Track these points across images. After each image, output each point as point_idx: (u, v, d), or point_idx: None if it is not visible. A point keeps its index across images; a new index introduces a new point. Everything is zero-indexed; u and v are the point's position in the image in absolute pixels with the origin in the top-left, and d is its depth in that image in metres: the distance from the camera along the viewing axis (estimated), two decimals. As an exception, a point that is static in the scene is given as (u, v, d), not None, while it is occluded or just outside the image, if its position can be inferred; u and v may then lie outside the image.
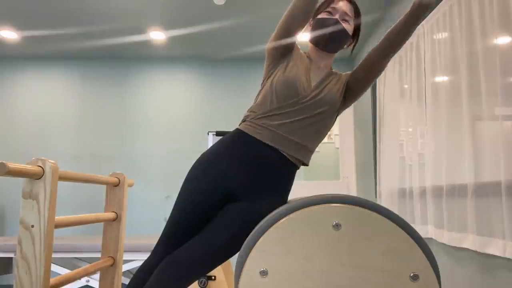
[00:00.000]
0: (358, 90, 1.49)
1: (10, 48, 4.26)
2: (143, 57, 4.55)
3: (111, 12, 3.48)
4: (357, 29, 1.51)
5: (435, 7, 2.39)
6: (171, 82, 4.56)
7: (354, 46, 1.57)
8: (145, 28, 3.82)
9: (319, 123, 1.40)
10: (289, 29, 1.38)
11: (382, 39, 1.41)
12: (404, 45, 2.87)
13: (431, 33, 2.42)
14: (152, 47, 4.27)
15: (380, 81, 3.37)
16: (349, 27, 1.45)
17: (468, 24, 1.97)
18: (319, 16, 1.44)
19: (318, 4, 1.43)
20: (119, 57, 4.56)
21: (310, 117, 1.38)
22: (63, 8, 3.42)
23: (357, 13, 1.49)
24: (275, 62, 1.45)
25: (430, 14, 2.46)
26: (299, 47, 1.51)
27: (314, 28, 1.45)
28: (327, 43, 1.43)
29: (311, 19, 1.49)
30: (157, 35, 3.96)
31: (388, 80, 3.16)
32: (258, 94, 1.46)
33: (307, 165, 1.45)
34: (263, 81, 1.47)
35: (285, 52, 1.44)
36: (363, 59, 1.46)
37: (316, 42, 1.45)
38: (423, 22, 2.54)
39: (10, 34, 3.92)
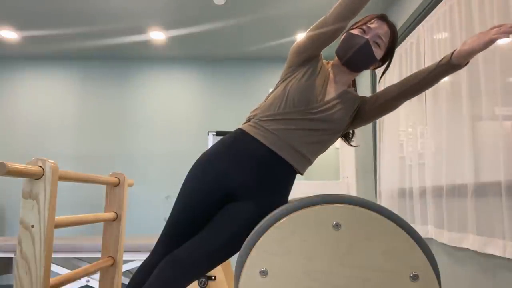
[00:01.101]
0: (367, 119, 1.46)
1: (10, 48, 4.26)
2: (143, 57, 4.55)
3: (111, 12, 3.48)
4: (388, 55, 1.44)
5: (435, 8, 2.39)
6: (171, 82, 4.56)
7: (384, 73, 1.52)
8: (145, 28, 3.82)
9: (322, 138, 1.38)
10: (318, 45, 1.34)
11: (404, 81, 1.37)
12: (404, 45, 2.87)
13: (431, 33, 2.42)
14: (152, 47, 4.27)
15: (380, 81, 3.37)
16: (378, 52, 1.39)
17: (468, 24, 1.97)
18: (352, 31, 1.40)
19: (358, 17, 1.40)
20: (119, 57, 4.56)
21: (315, 130, 1.36)
22: (63, 8, 3.42)
23: (393, 38, 1.42)
24: (295, 68, 1.41)
25: (430, 14, 2.46)
26: (322, 57, 1.46)
27: (342, 41, 1.41)
28: (349, 60, 1.38)
29: (344, 32, 1.44)
30: (157, 35, 3.96)
31: (388, 80, 3.16)
32: (270, 94, 1.44)
33: (301, 174, 1.44)
34: (279, 82, 1.44)
35: (307, 61, 1.41)
36: (381, 92, 1.42)
37: (340, 55, 1.40)
38: (423, 22, 2.54)
39: (10, 34, 3.92)
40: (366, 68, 1.41)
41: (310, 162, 1.42)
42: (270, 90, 1.45)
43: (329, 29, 1.30)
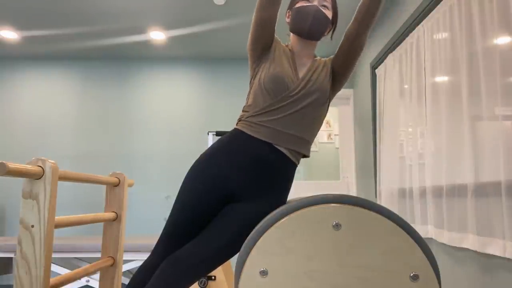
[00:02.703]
0: (344, 72, 1.48)
1: (10, 48, 4.26)
2: (143, 57, 4.55)
3: (111, 12, 3.48)
4: (335, 15, 1.51)
5: (434, 7, 2.39)
6: (171, 82, 4.56)
7: (333, 31, 1.56)
8: (145, 28, 3.82)
9: (313, 113, 1.41)
10: (261, 22, 1.38)
11: (356, 15, 1.40)
12: (404, 45, 2.87)
13: (431, 33, 2.42)
14: (152, 47, 4.27)
15: (380, 81, 3.37)
16: (328, 13, 1.46)
17: (468, 24, 1.97)
18: (298, 5, 1.44)
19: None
20: (119, 57, 4.56)
21: (303, 108, 1.38)
22: (63, 8, 3.42)
23: None
24: (258, 61, 1.46)
25: (430, 14, 2.46)
26: (279, 40, 1.51)
27: (294, 17, 1.45)
28: (310, 31, 1.43)
29: (288, 11, 1.50)
30: (157, 35, 3.96)
31: (388, 80, 3.16)
32: (248, 94, 1.47)
33: (308, 156, 1.46)
34: (251, 80, 1.48)
35: (265, 48, 1.44)
36: (342, 40, 1.45)
37: (299, 31, 1.44)
38: (423, 22, 2.54)
39: (10, 34, 3.92)
40: (324, 33, 1.47)
41: (310, 142, 1.44)
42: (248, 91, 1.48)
43: (260, 12, 1.36)
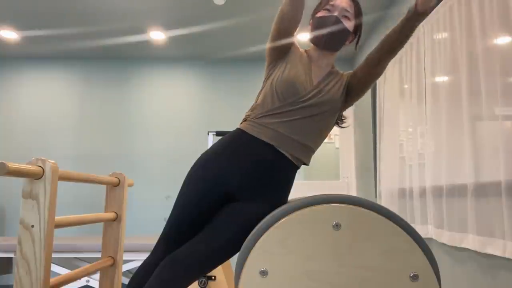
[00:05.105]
0: (359, 91, 1.47)
1: (10, 48, 4.26)
2: (143, 57, 4.55)
3: (111, 12, 3.48)
4: (358, 25, 1.48)
5: (435, 8, 2.38)
6: (171, 82, 4.56)
7: (358, 42, 1.54)
8: (145, 28, 3.82)
9: (320, 123, 1.39)
10: (282, 28, 1.37)
11: (380, 42, 1.39)
12: (405, 45, 2.88)
13: (431, 33, 2.42)
14: (152, 47, 4.27)
15: (380, 81, 3.37)
16: (349, 24, 1.42)
17: (468, 24, 1.97)
18: (318, 15, 1.42)
19: (317, 2, 1.42)
20: (119, 57, 4.56)
21: (311, 116, 1.37)
22: (63, 8, 3.42)
23: (357, 7, 1.45)
24: (274, 62, 1.45)
25: (430, 14, 2.46)
26: (298, 46, 1.49)
27: (313, 27, 1.44)
28: (327, 42, 1.40)
29: (311, 19, 1.48)
30: (157, 35, 3.96)
31: (388, 80, 3.16)
32: (259, 94, 1.46)
33: (307, 164, 1.45)
34: (264, 81, 1.47)
35: (283, 52, 1.43)
36: (363, 61, 1.44)
37: (316, 41, 1.43)
38: (423, 22, 2.54)
39: (10, 34, 3.92)
40: (343, 44, 1.44)
41: (312, 150, 1.43)
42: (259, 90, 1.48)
43: (283, 5, 1.34)
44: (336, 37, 1.40)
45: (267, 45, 1.44)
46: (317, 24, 1.42)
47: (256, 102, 1.44)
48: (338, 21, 1.39)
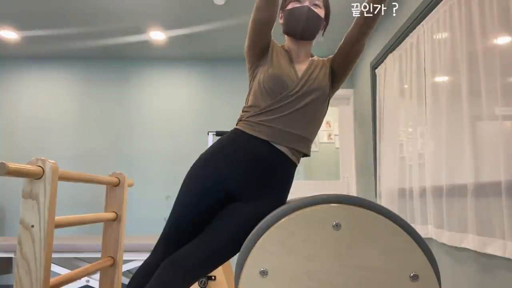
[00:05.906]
0: (343, 72, 1.50)
1: (10, 48, 4.26)
2: (143, 57, 4.55)
3: (111, 12, 3.48)
4: (327, 12, 1.52)
5: (435, 7, 2.38)
6: (171, 82, 4.56)
7: (325, 29, 1.57)
8: (145, 28, 3.81)
9: (313, 111, 1.41)
10: (258, 26, 1.40)
11: (355, 19, 1.41)
12: (404, 45, 2.87)
13: (431, 33, 2.42)
14: (152, 47, 4.27)
15: (380, 81, 3.37)
16: (320, 11, 1.46)
17: (468, 24, 1.97)
18: (289, 6, 1.45)
19: None
20: (119, 57, 4.55)
21: (303, 107, 1.39)
22: (63, 8, 3.42)
23: None
24: (256, 63, 1.48)
25: (430, 14, 2.46)
26: (276, 42, 1.52)
27: (287, 19, 1.46)
28: (304, 31, 1.44)
29: (281, 12, 1.51)
30: (157, 35, 3.96)
31: (388, 80, 3.16)
32: (248, 96, 1.48)
33: (308, 155, 1.46)
34: (250, 82, 1.50)
35: (263, 51, 1.46)
36: (342, 42, 1.46)
37: (292, 32, 1.46)
38: (423, 22, 2.54)
39: (10, 34, 3.92)
40: (318, 31, 1.48)
41: (311, 141, 1.44)
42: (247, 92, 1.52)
43: (257, 3, 1.36)
44: (311, 25, 1.44)
45: (245, 47, 1.48)
46: (290, 16, 1.45)
47: (247, 104, 1.45)
48: (311, 10, 1.43)
